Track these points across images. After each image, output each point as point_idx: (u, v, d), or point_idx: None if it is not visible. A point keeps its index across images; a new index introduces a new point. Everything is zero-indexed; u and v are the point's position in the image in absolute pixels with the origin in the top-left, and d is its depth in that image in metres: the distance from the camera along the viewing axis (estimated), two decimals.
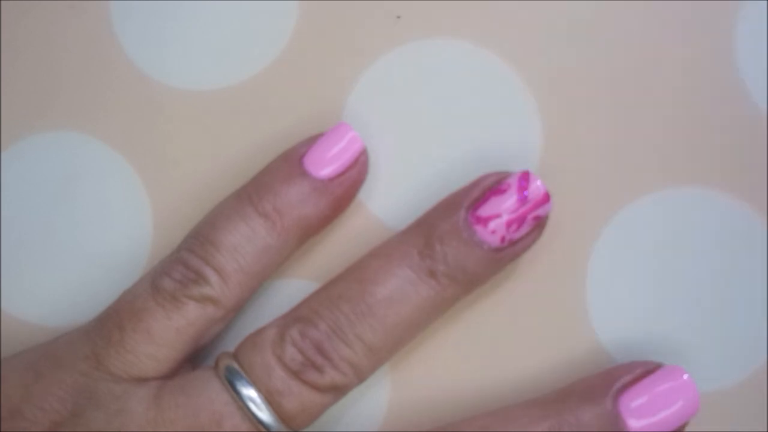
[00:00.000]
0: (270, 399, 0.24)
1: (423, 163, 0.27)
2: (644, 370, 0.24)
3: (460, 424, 0.24)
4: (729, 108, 0.27)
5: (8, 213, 0.28)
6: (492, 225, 0.24)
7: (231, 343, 0.26)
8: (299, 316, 0.24)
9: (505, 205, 0.24)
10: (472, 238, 0.24)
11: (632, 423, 0.23)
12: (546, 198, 0.24)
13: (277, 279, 0.27)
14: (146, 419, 0.24)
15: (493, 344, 0.27)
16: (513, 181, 0.25)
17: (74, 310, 0.27)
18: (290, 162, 0.26)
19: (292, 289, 0.27)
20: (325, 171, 0.25)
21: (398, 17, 0.28)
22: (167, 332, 0.24)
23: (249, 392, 0.24)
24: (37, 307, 0.28)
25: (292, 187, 0.25)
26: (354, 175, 0.26)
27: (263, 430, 0.24)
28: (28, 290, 0.28)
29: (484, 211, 0.24)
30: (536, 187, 0.24)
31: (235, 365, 0.24)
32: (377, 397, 0.27)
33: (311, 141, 0.26)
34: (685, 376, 0.24)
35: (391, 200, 0.27)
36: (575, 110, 0.27)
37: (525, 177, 0.25)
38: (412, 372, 0.27)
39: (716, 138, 0.27)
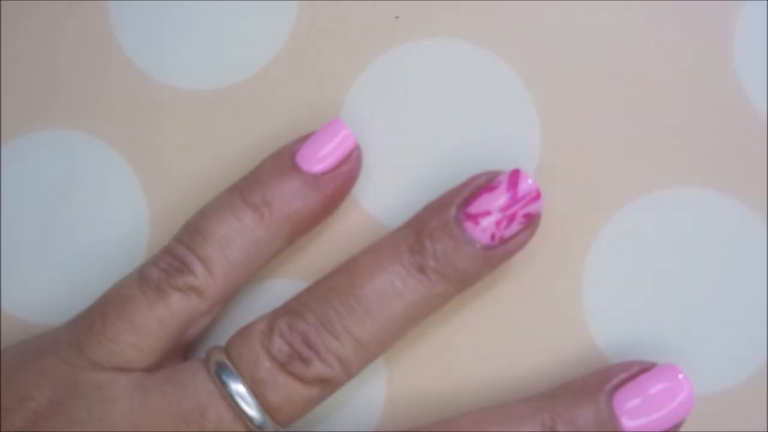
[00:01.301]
0: (255, 390, 0.24)
1: (420, 162, 0.27)
2: (640, 368, 0.24)
3: (454, 421, 0.24)
4: (727, 108, 0.27)
5: (7, 212, 0.28)
6: (483, 222, 0.24)
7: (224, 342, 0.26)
8: (289, 309, 0.24)
9: (496, 203, 0.24)
10: (462, 236, 0.24)
11: (626, 422, 0.23)
12: (537, 195, 0.24)
13: (272, 278, 0.27)
14: (129, 408, 0.24)
15: (490, 343, 0.27)
16: (503, 179, 0.25)
17: (73, 308, 0.27)
18: (282, 158, 0.26)
19: (286, 289, 0.27)
20: (317, 167, 0.26)
21: (397, 17, 0.28)
22: (149, 322, 0.24)
23: (234, 383, 0.24)
24: (37, 305, 0.28)
25: (283, 181, 0.25)
26: (346, 171, 0.26)
27: (247, 421, 0.24)
28: (28, 289, 0.28)
29: (475, 208, 0.24)
30: (527, 184, 0.24)
31: (223, 357, 0.24)
32: (373, 394, 0.27)
33: (304, 138, 0.26)
34: (681, 375, 0.24)
35: (387, 200, 0.27)
36: (574, 111, 0.27)
37: (515, 174, 0.24)
38: (408, 369, 0.27)
39: (714, 139, 0.27)
